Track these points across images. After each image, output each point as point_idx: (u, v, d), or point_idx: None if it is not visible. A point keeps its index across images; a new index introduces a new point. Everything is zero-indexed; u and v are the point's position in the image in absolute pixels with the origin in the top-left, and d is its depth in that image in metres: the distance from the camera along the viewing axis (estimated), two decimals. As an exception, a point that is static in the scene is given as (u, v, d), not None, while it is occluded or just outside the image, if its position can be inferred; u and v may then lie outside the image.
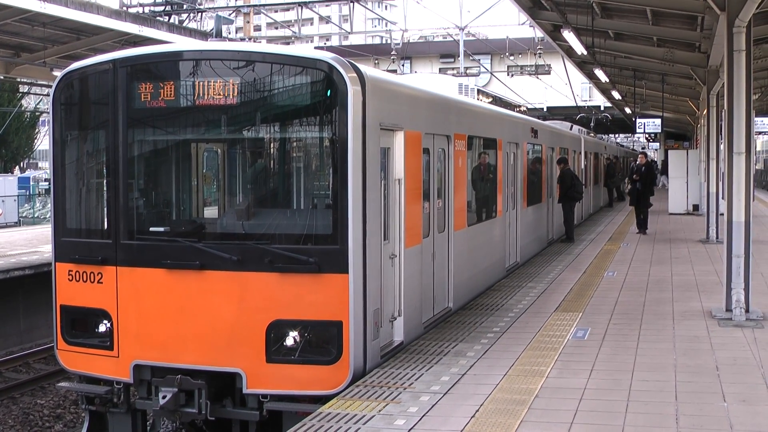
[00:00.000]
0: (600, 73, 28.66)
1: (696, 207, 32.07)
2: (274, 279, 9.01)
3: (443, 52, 62.42)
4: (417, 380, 9.11)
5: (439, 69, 57.40)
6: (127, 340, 9.54)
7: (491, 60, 60.69)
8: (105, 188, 9.87)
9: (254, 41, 37.78)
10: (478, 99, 19.59)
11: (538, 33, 35.75)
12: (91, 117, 10.19)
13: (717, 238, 22.05)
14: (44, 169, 76.34)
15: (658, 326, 11.93)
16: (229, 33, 44.01)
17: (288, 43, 52.47)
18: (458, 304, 13.02)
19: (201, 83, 9.29)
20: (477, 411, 8.09)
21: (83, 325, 9.91)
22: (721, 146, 20.12)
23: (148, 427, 10.25)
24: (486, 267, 15.04)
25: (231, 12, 38.71)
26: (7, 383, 16.46)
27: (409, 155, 10.65)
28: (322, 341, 9.01)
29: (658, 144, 72.21)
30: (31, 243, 24.65)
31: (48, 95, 15.23)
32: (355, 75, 9.08)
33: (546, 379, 9.17)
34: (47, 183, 52.24)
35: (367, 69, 9.56)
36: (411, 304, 10.82)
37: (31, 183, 58.15)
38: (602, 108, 58.20)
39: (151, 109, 9.52)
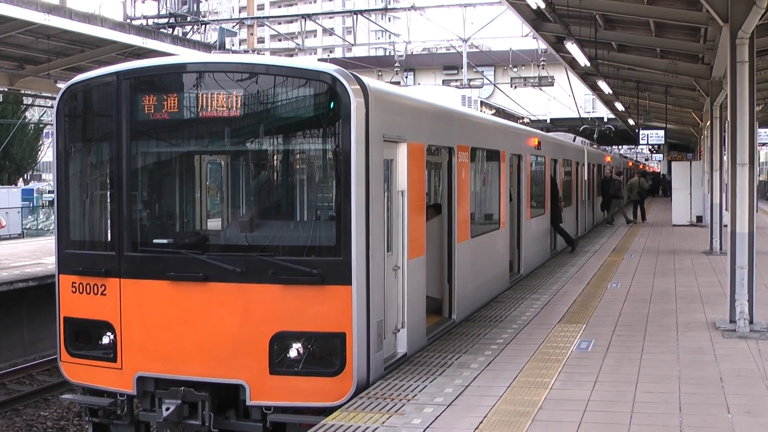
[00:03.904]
0: (603, 85, 28.71)
1: (699, 218, 32.07)
2: (277, 291, 9.01)
3: (446, 64, 62.52)
4: (421, 392, 9.10)
5: (443, 81, 57.50)
6: (131, 352, 9.53)
7: (494, 72, 60.76)
8: (108, 200, 9.88)
9: (258, 53, 37.83)
10: (481, 111, 19.60)
11: (542, 45, 35.74)
12: (95, 129, 10.21)
13: (721, 249, 22.04)
14: (48, 181, 76.50)
15: (662, 338, 11.91)
16: (233, 45, 44.14)
17: (291, 55, 52.56)
18: (462, 315, 13.01)
19: (204, 95, 9.30)
20: (481, 423, 8.08)
21: (87, 337, 9.91)
22: (725, 157, 20.11)
23: (152, 439, 10.26)
24: (489, 278, 15.04)
25: (234, 24, 38.84)
26: (11, 395, 16.45)
27: (413, 167, 10.65)
28: (325, 353, 9.00)
29: (661, 155, 72.25)
30: (35, 255, 24.68)
31: (52, 107, 15.28)
32: (358, 87, 9.09)
33: (550, 391, 9.16)
34: (51, 195, 52.34)
35: (371, 81, 9.57)
36: (414, 316, 10.81)
37: (35, 195, 58.22)
38: (605, 119, 58.26)
39: (155, 121, 9.53)
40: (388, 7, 34.86)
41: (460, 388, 9.30)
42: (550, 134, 26.46)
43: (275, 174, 10.03)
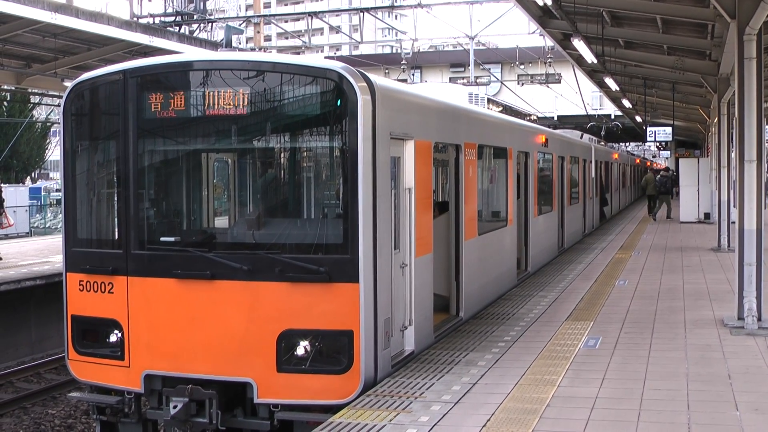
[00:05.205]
0: (610, 82, 28.63)
1: (707, 215, 32.00)
2: (284, 288, 9.00)
3: (453, 62, 62.37)
4: (428, 390, 9.09)
5: (450, 78, 57.35)
6: (138, 350, 9.54)
7: (501, 69, 60.59)
8: (116, 198, 9.88)
9: (264, 51, 37.85)
10: (488, 108, 19.57)
11: (549, 42, 35.69)
12: (102, 127, 10.22)
13: (729, 246, 22.00)
14: (55, 180, 76.64)
15: (669, 335, 11.88)
16: (240, 43, 44.14)
17: (298, 53, 52.57)
18: (469, 313, 13.00)
19: (211, 93, 9.30)
20: (488, 420, 8.07)
21: (94, 335, 9.92)
22: (732, 154, 20.07)
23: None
24: (497, 276, 15.02)
25: (241, 22, 38.82)
26: (19, 393, 16.49)
27: (420, 164, 10.64)
28: (332, 351, 8.99)
29: (669, 152, 72.09)
30: (43, 253, 24.74)
31: (59, 106, 15.30)
32: (365, 84, 9.08)
33: (557, 389, 9.15)
34: (58, 193, 52.43)
35: (377, 78, 9.56)
36: (422, 313, 10.80)
37: (42, 193, 58.30)
38: (613, 116, 58.08)
39: (162, 119, 9.53)
40: (395, 4, 34.81)
41: (468, 385, 9.29)
42: (557, 131, 26.43)
43: (282, 172, 10.03)
